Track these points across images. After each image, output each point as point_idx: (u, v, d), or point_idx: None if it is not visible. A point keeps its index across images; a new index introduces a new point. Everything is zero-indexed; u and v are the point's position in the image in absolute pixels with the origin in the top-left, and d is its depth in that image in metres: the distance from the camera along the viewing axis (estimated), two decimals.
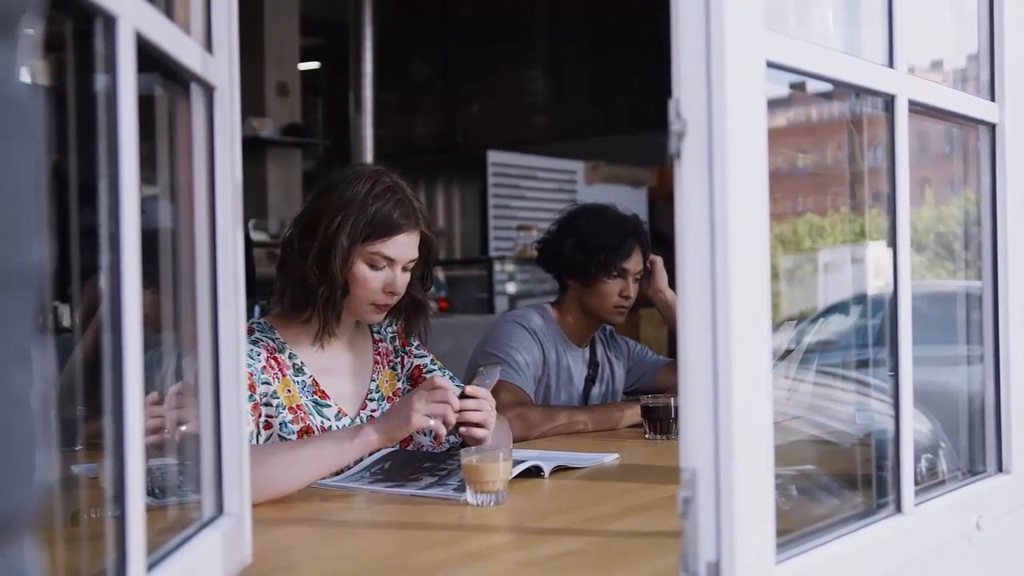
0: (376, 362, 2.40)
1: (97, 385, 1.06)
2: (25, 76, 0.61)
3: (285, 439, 2.18)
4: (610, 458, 2.37)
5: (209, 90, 1.37)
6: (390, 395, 2.39)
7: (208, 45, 1.37)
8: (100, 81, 1.03)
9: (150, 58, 1.13)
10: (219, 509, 1.39)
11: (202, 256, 1.37)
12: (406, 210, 2.24)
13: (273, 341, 2.24)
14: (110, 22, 1.01)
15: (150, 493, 1.14)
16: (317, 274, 2.20)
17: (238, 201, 1.42)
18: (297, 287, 2.23)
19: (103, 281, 1.02)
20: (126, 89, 1.03)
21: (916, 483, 1.56)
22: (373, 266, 2.22)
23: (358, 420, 2.29)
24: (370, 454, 2.14)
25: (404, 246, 2.24)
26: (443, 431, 2.07)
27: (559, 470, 2.20)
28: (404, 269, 2.27)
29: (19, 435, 0.59)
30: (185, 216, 1.37)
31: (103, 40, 1.01)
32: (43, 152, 0.62)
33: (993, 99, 1.83)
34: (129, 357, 1.02)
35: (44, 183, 0.62)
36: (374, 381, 2.37)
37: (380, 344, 2.43)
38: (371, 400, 2.35)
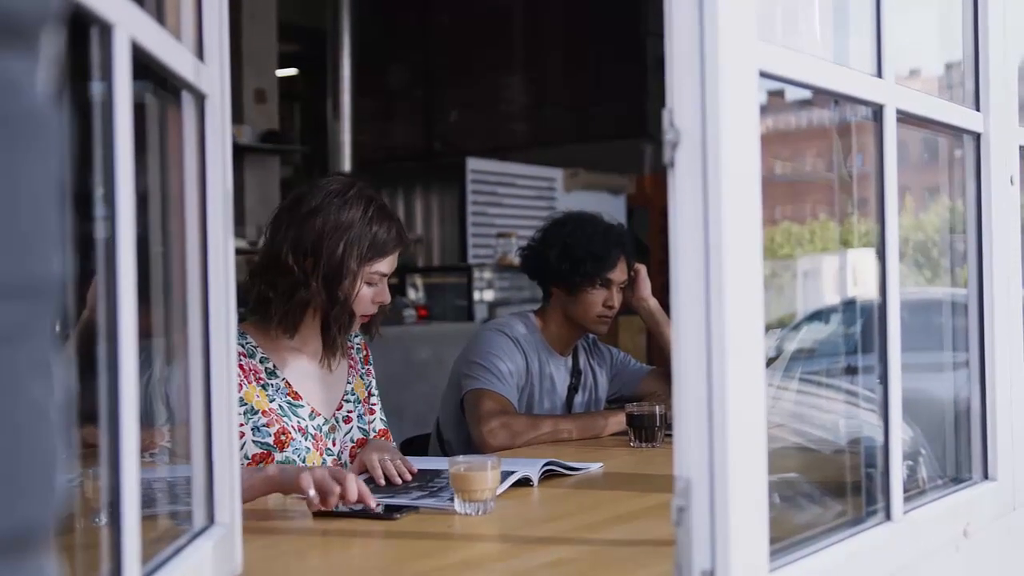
0: (351, 366, 2.48)
1: (83, 393, 1.05)
2: (45, 87, 0.61)
3: (260, 443, 2.23)
4: (595, 467, 2.37)
5: (200, 98, 1.36)
6: (363, 399, 2.48)
7: (200, 53, 1.36)
8: (95, 88, 1.03)
9: (143, 66, 1.13)
10: (210, 519, 1.38)
11: (193, 265, 1.36)
12: (400, 228, 2.36)
13: (243, 347, 2.26)
14: (106, 29, 1.00)
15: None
16: (326, 299, 2.27)
17: (229, 209, 1.41)
18: (299, 309, 2.28)
19: (99, 289, 1.02)
20: (122, 97, 1.02)
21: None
22: (369, 284, 2.31)
23: (333, 420, 2.37)
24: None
25: (394, 261, 2.36)
26: (315, 504, 1.86)
27: (549, 476, 2.21)
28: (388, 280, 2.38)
29: (41, 448, 0.58)
30: (176, 224, 1.37)
31: (99, 47, 1.01)
32: (63, 164, 0.62)
33: (978, 109, 1.85)
34: (124, 366, 1.02)
35: (64, 195, 0.62)
36: (350, 383, 2.45)
37: (351, 351, 2.51)
38: (347, 401, 2.43)
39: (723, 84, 1.17)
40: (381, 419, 2.54)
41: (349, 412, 2.42)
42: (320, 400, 2.36)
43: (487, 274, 7.63)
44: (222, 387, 1.39)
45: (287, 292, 2.26)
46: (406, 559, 1.64)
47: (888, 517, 1.53)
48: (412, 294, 7.51)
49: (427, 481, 2.15)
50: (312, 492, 1.83)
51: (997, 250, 1.86)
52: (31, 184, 0.58)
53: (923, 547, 1.62)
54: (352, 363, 2.49)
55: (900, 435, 1.56)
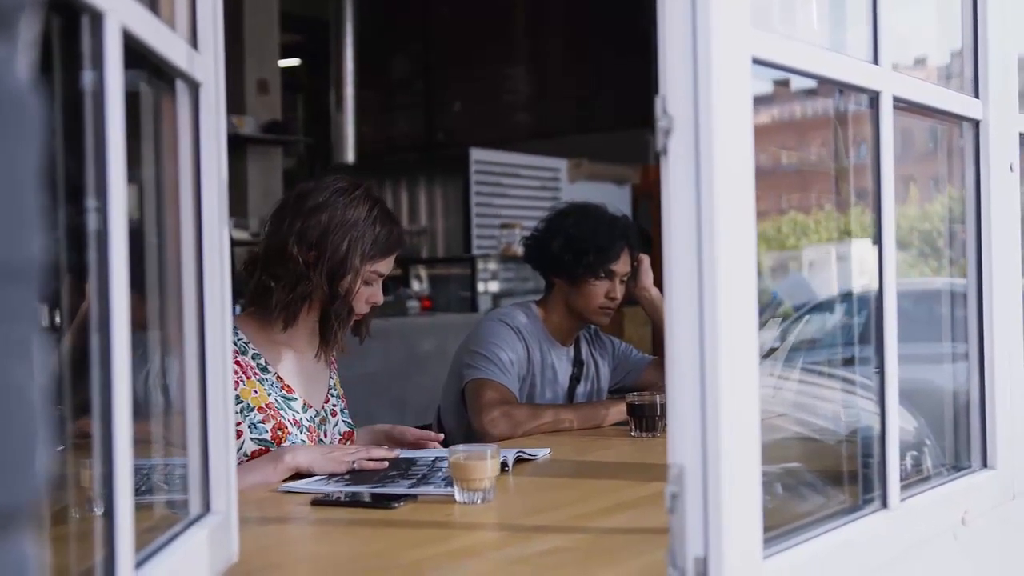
0: (332, 364, 2.52)
1: (80, 385, 1.06)
2: (24, 73, 0.61)
3: (258, 440, 2.25)
4: (543, 452, 2.40)
5: (195, 87, 1.36)
6: (342, 395, 2.54)
7: (194, 41, 1.36)
8: (86, 77, 1.03)
9: (135, 54, 1.13)
10: (206, 507, 1.38)
11: (188, 255, 1.37)
12: (401, 231, 2.41)
13: (235, 344, 2.27)
14: (97, 18, 1.00)
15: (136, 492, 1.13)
16: (327, 292, 2.30)
17: (224, 199, 1.41)
18: (299, 301, 2.30)
19: (91, 280, 1.02)
20: (113, 86, 1.02)
21: (901, 479, 1.57)
22: (366, 283, 2.35)
23: (323, 412, 2.42)
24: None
25: (392, 263, 2.41)
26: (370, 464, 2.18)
27: (519, 461, 2.25)
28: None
29: (21, 430, 0.59)
30: (170, 214, 1.37)
31: (90, 36, 1.01)
32: (42, 148, 0.62)
33: (977, 96, 1.84)
34: (117, 355, 1.02)
35: (43, 179, 0.62)
36: (332, 379, 2.50)
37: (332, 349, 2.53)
38: (332, 395, 2.48)
39: (716, 71, 1.17)
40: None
41: (334, 406, 2.48)
42: (309, 393, 2.41)
43: (491, 265, 7.63)
44: (217, 376, 1.39)
45: (289, 284, 2.29)
46: (403, 547, 1.64)
47: (884, 505, 1.53)
48: (416, 285, 7.52)
49: (406, 469, 2.15)
50: (356, 465, 2.12)
51: (996, 238, 1.85)
52: (10, 168, 0.58)
53: (920, 535, 1.62)
54: (333, 359, 2.53)
55: (897, 423, 1.56)
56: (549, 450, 2.43)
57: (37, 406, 0.60)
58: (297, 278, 2.28)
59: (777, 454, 1.63)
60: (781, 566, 1.28)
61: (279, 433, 2.26)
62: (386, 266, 2.37)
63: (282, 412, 2.30)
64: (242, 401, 2.25)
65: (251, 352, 2.32)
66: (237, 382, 2.24)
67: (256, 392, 2.28)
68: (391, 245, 2.36)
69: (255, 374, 2.30)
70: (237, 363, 2.26)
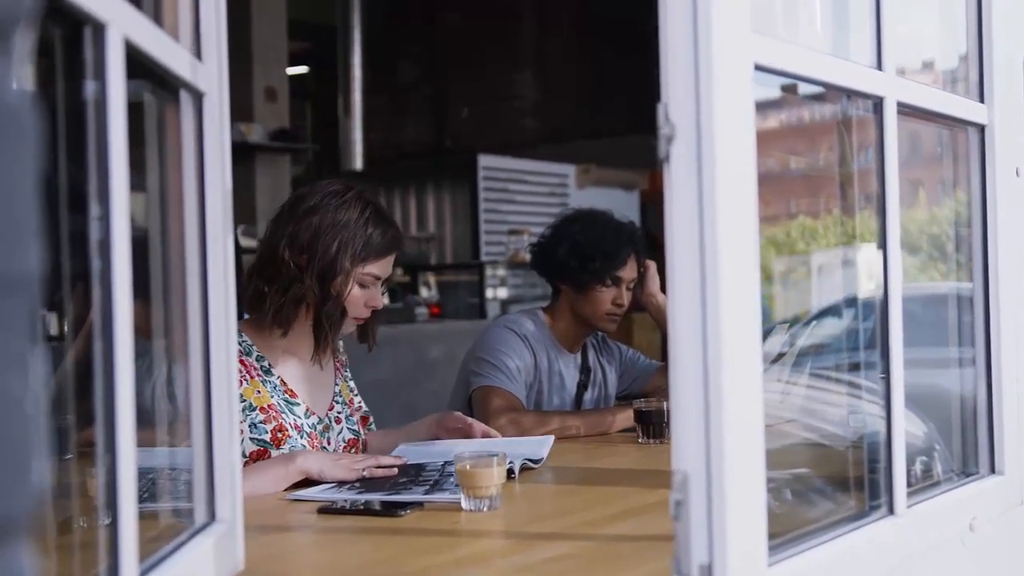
0: (337, 370, 2.52)
1: (88, 394, 1.06)
2: (20, 83, 0.61)
3: (257, 440, 2.26)
4: (548, 440, 2.44)
5: (198, 97, 1.36)
6: (348, 401, 2.52)
7: (197, 52, 1.36)
8: (89, 88, 1.03)
9: (139, 65, 1.13)
10: (211, 516, 1.38)
11: (192, 264, 1.37)
12: (396, 233, 2.39)
13: (240, 345, 2.28)
14: (99, 29, 1.01)
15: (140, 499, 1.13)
16: (318, 295, 2.30)
17: (228, 208, 1.41)
18: (292, 304, 2.30)
19: (94, 289, 1.02)
20: (116, 96, 1.03)
21: (910, 485, 1.56)
22: (362, 285, 2.35)
23: (326, 419, 2.42)
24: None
25: (390, 265, 2.40)
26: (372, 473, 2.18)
27: (525, 469, 2.24)
28: (382, 284, 2.41)
29: (17, 441, 0.59)
30: (175, 224, 1.37)
31: (92, 47, 1.01)
32: (39, 160, 0.63)
33: (982, 100, 1.84)
34: (120, 364, 1.02)
35: (39, 190, 0.63)
36: (337, 386, 2.50)
37: (338, 354, 2.55)
38: (337, 402, 2.48)
39: (717, 78, 1.17)
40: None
41: (339, 413, 2.47)
42: (313, 400, 2.41)
43: (499, 271, 7.63)
44: (222, 384, 1.39)
45: (282, 287, 2.29)
46: (410, 555, 1.64)
47: (891, 511, 1.53)
48: (424, 292, 7.52)
49: (416, 476, 2.15)
50: (366, 473, 2.12)
51: (1003, 243, 1.85)
52: (6, 179, 0.58)
53: (927, 541, 1.62)
54: (339, 366, 2.53)
55: (903, 428, 1.55)
56: (552, 437, 2.45)
57: (34, 417, 0.60)
58: (289, 281, 2.29)
59: (784, 460, 1.62)
60: (786, 573, 1.28)
61: (279, 435, 2.27)
62: (381, 268, 2.36)
63: (283, 415, 2.30)
64: (244, 400, 2.25)
65: (255, 354, 2.33)
66: (240, 381, 2.24)
67: (259, 392, 2.29)
68: (385, 247, 2.35)
69: (258, 375, 2.31)
70: (241, 363, 2.28)
